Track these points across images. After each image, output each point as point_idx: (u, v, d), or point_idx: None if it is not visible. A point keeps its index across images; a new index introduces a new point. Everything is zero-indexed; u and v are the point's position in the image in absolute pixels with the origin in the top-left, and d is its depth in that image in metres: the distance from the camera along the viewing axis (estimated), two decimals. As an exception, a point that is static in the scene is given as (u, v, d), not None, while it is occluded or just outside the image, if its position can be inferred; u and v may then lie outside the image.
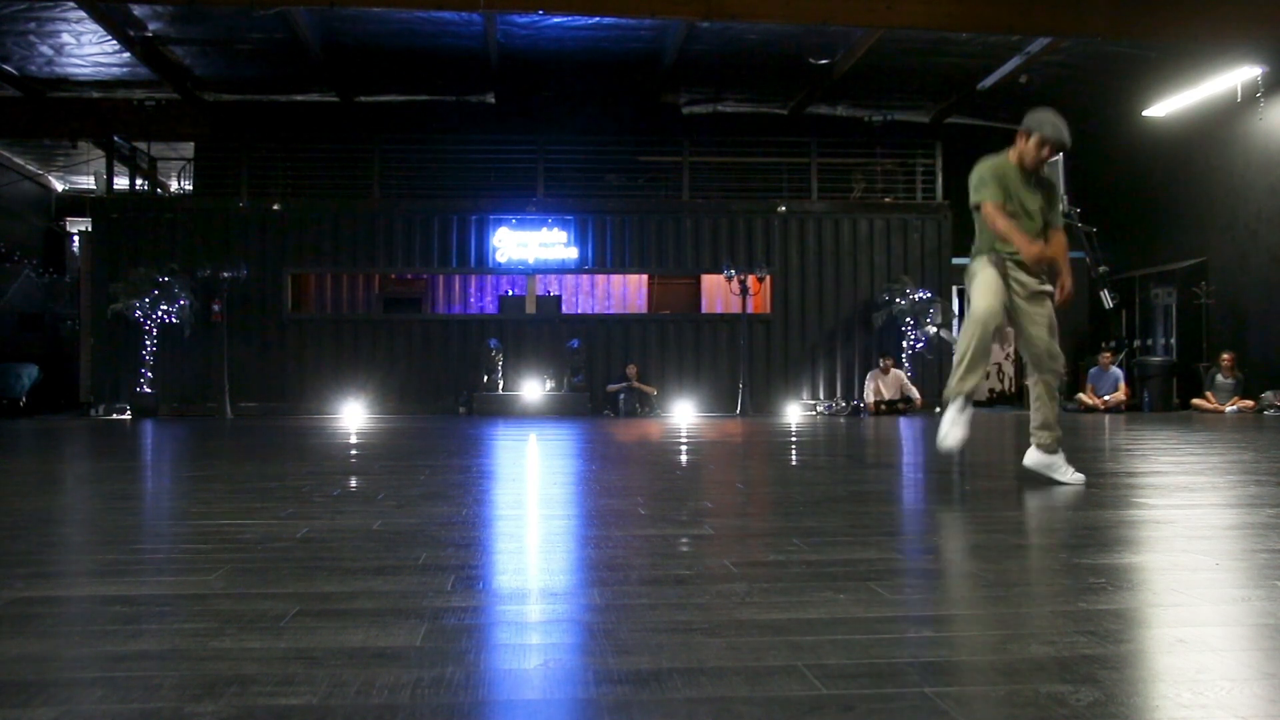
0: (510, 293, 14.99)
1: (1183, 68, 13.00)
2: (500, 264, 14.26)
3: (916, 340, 14.02)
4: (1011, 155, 4.36)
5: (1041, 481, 4.71)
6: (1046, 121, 4.28)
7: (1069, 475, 4.30)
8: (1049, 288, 4.33)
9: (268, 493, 4.28)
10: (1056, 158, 15.41)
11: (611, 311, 16.19)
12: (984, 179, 4.31)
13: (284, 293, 14.01)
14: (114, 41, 12.41)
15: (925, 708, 1.47)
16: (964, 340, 4.30)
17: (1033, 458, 4.39)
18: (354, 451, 6.95)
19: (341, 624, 1.97)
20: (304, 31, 12.09)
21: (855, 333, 14.43)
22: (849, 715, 1.45)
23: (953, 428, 4.25)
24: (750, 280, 13.84)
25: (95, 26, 11.91)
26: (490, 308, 15.80)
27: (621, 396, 13.48)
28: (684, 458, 6.25)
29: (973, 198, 4.33)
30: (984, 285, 4.28)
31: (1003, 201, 4.25)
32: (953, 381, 4.30)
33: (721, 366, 14.17)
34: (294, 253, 14.09)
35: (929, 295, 13.98)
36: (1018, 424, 10.72)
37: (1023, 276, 4.29)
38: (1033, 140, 4.29)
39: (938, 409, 14.06)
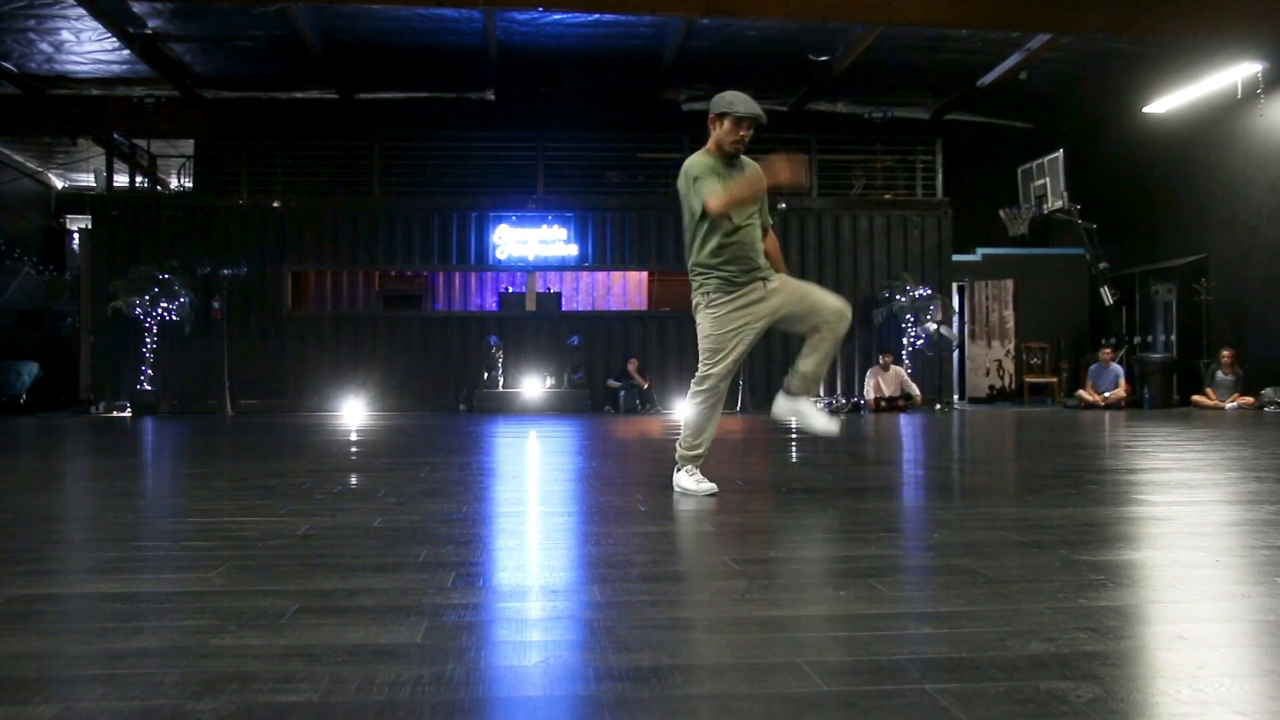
0: (510, 290, 14.98)
1: (1183, 64, 12.99)
2: (500, 261, 14.25)
3: (917, 337, 14.02)
4: (710, 146, 3.98)
5: (1040, 479, 4.72)
6: (737, 100, 3.92)
7: (822, 422, 4.05)
8: (774, 282, 3.99)
9: (268, 490, 4.28)
10: (1057, 153, 15.28)
11: (611, 308, 16.18)
12: (701, 174, 3.88)
13: (284, 290, 14.01)
14: (113, 38, 12.39)
15: (926, 704, 1.47)
16: (693, 411, 3.98)
17: (782, 403, 4.10)
18: (354, 449, 6.96)
19: (342, 621, 1.97)
20: (303, 28, 12.08)
21: (855, 330, 14.35)
22: (850, 712, 1.45)
23: (700, 484, 3.94)
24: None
25: (95, 24, 11.89)
26: (490, 305, 15.80)
27: (622, 393, 13.48)
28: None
29: (694, 203, 3.87)
30: (711, 339, 3.94)
31: (685, 193, 3.93)
32: (685, 450, 3.99)
33: (722, 363, 14.15)
34: (294, 250, 14.08)
35: (929, 292, 13.98)
36: (1018, 421, 10.73)
37: (750, 293, 3.95)
38: (727, 123, 3.90)
39: (939, 406, 14.09)
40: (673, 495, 3.94)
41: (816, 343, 4.00)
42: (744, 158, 4.10)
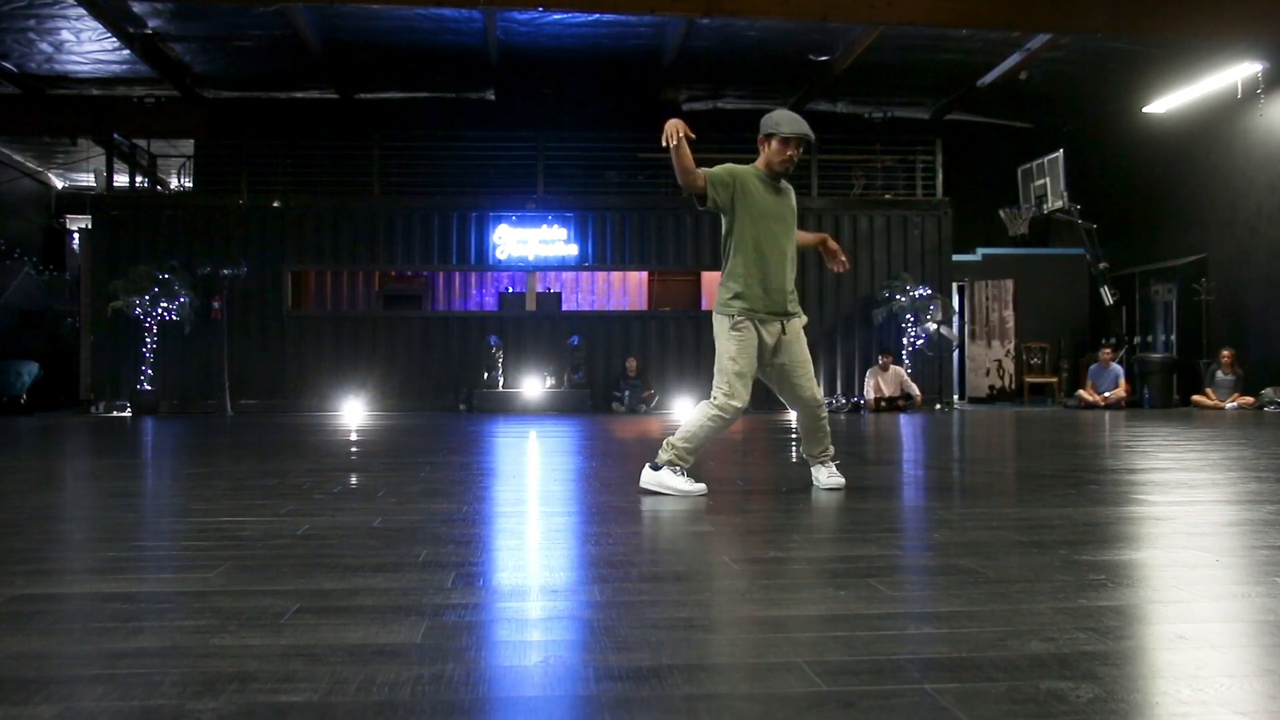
0: (510, 289, 14.98)
1: (1183, 64, 12.99)
2: (500, 261, 14.25)
3: (917, 337, 14.02)
4: (760, 165, 4.13)
5: (1040, 479, 4.71)
6: (783, 120, 4.05)
7: (824, 480, 4.15)
8: (790, 334, 4.07)
9: (268, 490, 4.28)
10: (1057, 153, 15.20)
11: (612, 308, 16.18)
12: (721, 170, 4.05)
13: (284, 290, 14.01)
14: (113, 38, 12.39)
15: (926, 704, 1.47)
16: (702, 425, 3.97)
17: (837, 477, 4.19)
18: (354, 448, 6.96)
19: (342, 621, 1.97)
20: (304, 28, 12.08)
21: (855, 329, 14.42)
22: (849, 712, 1.45)
23: (693, 486, 3.96)
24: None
25: (95, 24, 11.89)
26: (490, 304, 15.79)
27: (626, 393, 13.49)
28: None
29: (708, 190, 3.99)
30: (745, 368, 3.95)
31: (729, 197, 4.02)
32: (679, 454, 3.97)
33: (722, 363, 14.15)
34: (294, 249, 14.08)
35: (929, 292, 13.98)
36: (1018, 420, 10.73)
37: (768, 330, 4.01)
38: (775, 143, 4.05)
39: (939, 406, 14.08)
40: (672, 496, 3.92)
41: (806, 431, 4.21)
42: (785, 183, 4.22)
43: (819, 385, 4.29)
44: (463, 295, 16.53)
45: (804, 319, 4.20)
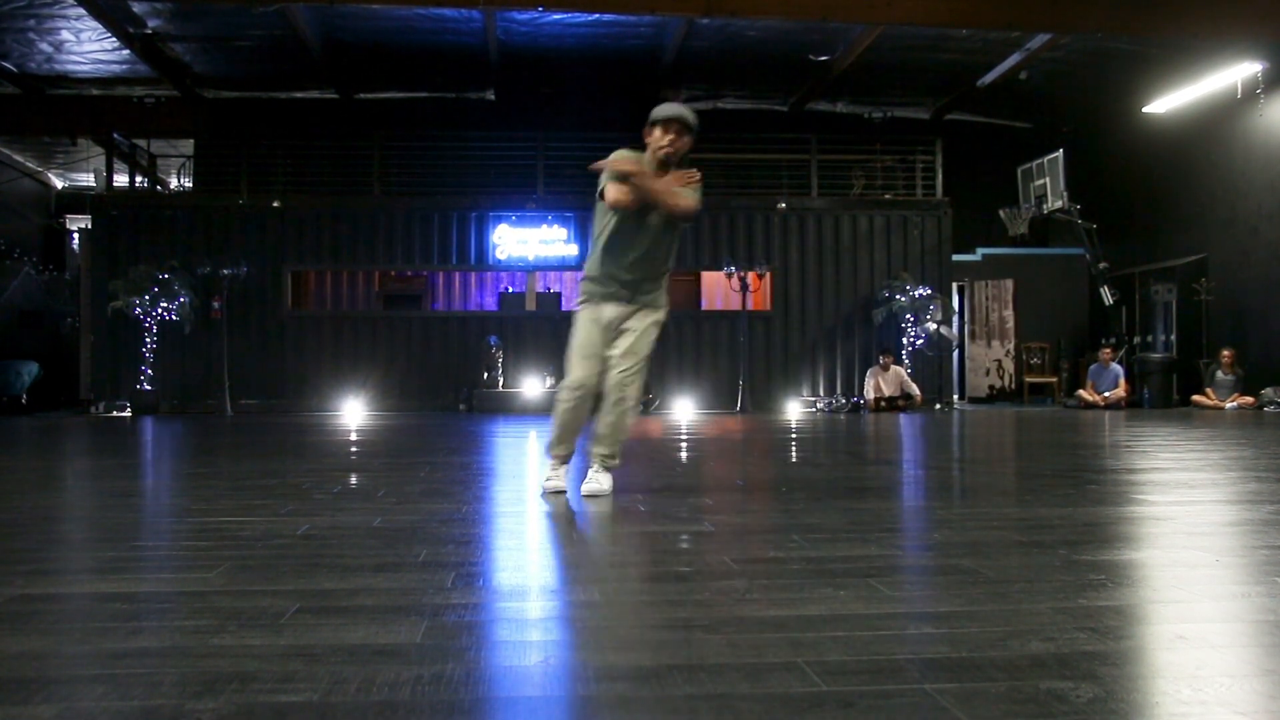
0: (510, 290, 14.98)
1: (1183, 64, 13.00)
2: (500, 261, 14.25)
3: (917, 337, 14.02)
4: (646, 156, 4.02)
5: (1040, 479, 4.71)
6: (660, 109, 3.95)
7: (590, 486, 3.93)
8: (654, 313, 4.03)
9: (268, 490, 4.28)
10: (1057, 153, 15.14)
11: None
12: (613, 166, 3.94)
13: (284, 290, 14.01)
14: (113, 38, 12.40)
15: (925, 704, 1.47)
16: (556, 410, 3.98)
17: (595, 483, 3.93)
18: (354, 448, 6.95)
19: (342, 621, 1.97)
20: (303, 28, 12.08)
21: (855, 329, 14.41)
22: (849, 712, 1.45)
23: (550, 481, 4.00)
24: (750, 277, 13.84)
25: (94, 24, 11.90)
26: (490, 305, 15.79)
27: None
28: (684, 454, 6.24)
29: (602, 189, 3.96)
30: (578, 345, 3.92)
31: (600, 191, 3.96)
32: (549, 444, 4.06)
33: (721, 363, 14.16)
34: (294, 249, 14.08)
35: (929, 291, 13.98)
36: (1018, 421, 10.73)
37: (606, 309, 3.96)
38: (655, 130, 3.94)
39: (938, 406, 14.06)
40: (671, 495, 3.93)
41: (601, 425, 3.97)
42: (687, 180, 3.96)
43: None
44: (463, 295, 16.53)
45: (658, 314, 4.04)
